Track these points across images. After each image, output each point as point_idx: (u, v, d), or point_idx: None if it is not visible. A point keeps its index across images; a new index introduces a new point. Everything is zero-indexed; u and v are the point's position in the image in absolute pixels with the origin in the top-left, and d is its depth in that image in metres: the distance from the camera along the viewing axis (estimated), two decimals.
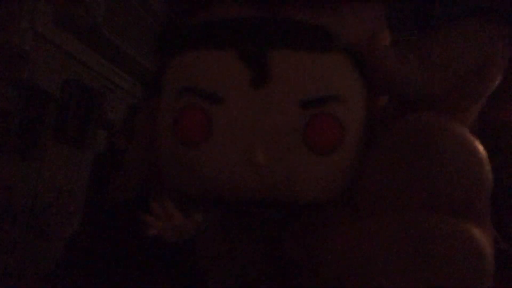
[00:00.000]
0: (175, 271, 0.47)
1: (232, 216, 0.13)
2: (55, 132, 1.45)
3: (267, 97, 0.11)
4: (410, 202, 0.11)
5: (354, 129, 0.11)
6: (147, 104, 0.15)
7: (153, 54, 0.15)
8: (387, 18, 0.16)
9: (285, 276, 0.13)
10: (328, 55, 0.11)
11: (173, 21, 0.14)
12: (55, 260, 1.44)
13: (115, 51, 1.69)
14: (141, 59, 1.82)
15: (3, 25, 1.24)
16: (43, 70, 1.41)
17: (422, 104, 0.13)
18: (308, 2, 0.12)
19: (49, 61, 1.44)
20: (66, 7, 1.39)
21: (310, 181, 0.11)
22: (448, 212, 0.12)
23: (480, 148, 0.12)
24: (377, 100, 0.13)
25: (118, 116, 1.81)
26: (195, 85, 0.11)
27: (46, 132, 1.41)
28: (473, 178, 0.12)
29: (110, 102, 1.73)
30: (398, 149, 0.12)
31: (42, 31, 1.39)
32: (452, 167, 0.11)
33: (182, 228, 0.13)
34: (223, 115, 0.11)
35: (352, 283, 0.11)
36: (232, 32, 0.11)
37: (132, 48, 1.75)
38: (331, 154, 0.11)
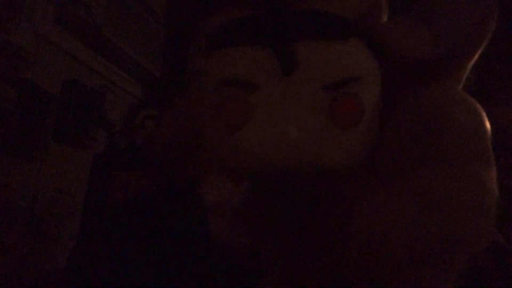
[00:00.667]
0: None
1: (270, 186, 0.15)
2: (55, 132, 1.45)
3: (295, 83, 0.13)
4: (424, 160, 0.13)
5: (372, 105, 0.13)
6: (173, 101, 0.18)
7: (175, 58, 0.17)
8: None
9: (315, 240, 0.15)
10: (343, 41, 0.13)
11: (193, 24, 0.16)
12: (59, 260, 1.44)
13: (115, 51, 1.69)
14: (141, 59, 1.82)
15: (3, 25, 1.24)
16: (43, 70, 1.41)
17: (428, 65, 0.15)
18: None
19: (49, 61, 1.44)
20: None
21: (335, 152, 0.13)
22: (458, 163, 0.14)
23: (479, 108, 0.14)
24: (392, 76, 0.14)
25: (118, 116, 1.81)
26: (234, 76, 0.13)
27: (46, 132, 1.41)
28: (477, 133, 0.14)
29: (110, 102, 1.73)
30: (411, 118, 0.14)
31: (42, 31, 1.39)
32: (459, 126, 0.13)
33: (233, 193, 0.15)
34: (260, 100, 0.13)
35: (377, 240, 0.13)
36: (262, 29, 0.13)
37: (132, 48, 1.75)
38: (353, 128, 0.13)
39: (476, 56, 0.16)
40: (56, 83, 1.47)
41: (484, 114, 0.15)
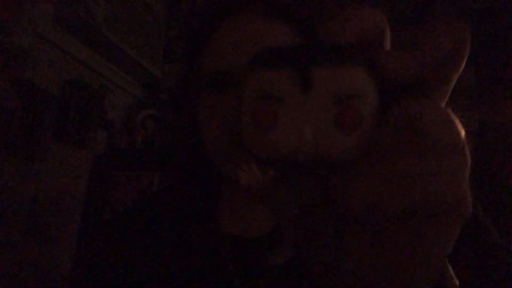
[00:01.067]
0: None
1: (292, 173, 0.21)
2: (55, 132, 1.45)
3: (311, 98, 0.18)
4: (404, 150, 0.17)
5: (369, 116, 0.18)
6: (208, 100, 0.22)
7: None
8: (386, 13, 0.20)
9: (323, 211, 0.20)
10: (348, 67, 0.18)
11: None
12: (59, 260, 1.44)
13: (115, 51, 1.69)
14: (141, 59, 1.82)
15: (3, 25, 1.24)
16: (43, 70, 1.41)
17: (412, 85, 0.19)
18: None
19: (49, 61, 1.44)
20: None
21: (340, 149, 0.18)
22: (434, 155, 0.17)
23: (453, 116, 0.18)
24: (386, 92, 0.19)
25: (118, 116, 1.81)
26: (267, 92, 0.18)
27: (46, 132, 1.41)
28: (449, 136, 0.17)
29: (110, 102, 1.73)
30: (395, 125, 0.18)
31: (42, 31, 1.39)
32: (433, 130, 0.17)
33: (261, 180, 0.22)
34: (285, 110, 0.18)
35: (370, 203, 0.17)
36: (288, 57, 0.18)
37: (132, 48, 1.75)
38: (354, 132, 0.18)
39: (455, 77, 0.19)
40: (56, 83, 1.47)
41: (457, 122, 0.18)
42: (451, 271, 0.22)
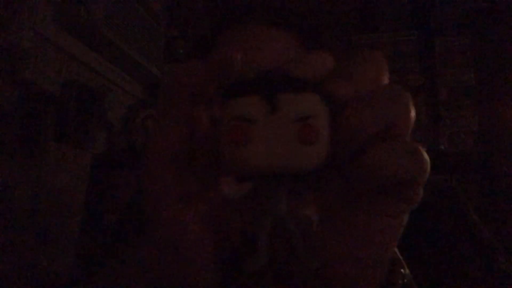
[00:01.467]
0: None
1: (264, 185, 0.24)
2: (55, 132, 1.45)
3: (278, 118, 0.22)
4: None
5: (324, 131, 0.22)
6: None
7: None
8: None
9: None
10: (305, 93, 0.22)
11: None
12: (59, 260, 1.44)
13: (115, 51, 1.69)
14: (141, 59, 1.82)
15: (3, 25, 1.24)
16: (43, 70, 1.41)
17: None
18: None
19: (49, 61, 1.44)
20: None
21: (305, 160, 0.22)
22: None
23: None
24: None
25: (118, 116, 1.81)
26: (241, 114, 0.22)
27: (46, 132, 1.41)
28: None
29: (110, 102, 1.73)
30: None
31: (42, 31, 1.39)
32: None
33: (238, 190, 0.25)
34: (256, 129, 0.22)
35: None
36: (258, 86, 0.22)
37: (132, 48, 1.75)
38: (313, 145, 0.22)
39: (407, 134, 0.24)
40: (56, 83, 1.47)
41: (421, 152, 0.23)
42: (401, 258, 0.28)
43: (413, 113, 0.23)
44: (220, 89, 0.24)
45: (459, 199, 0.51)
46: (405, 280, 0.28)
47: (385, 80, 0.23)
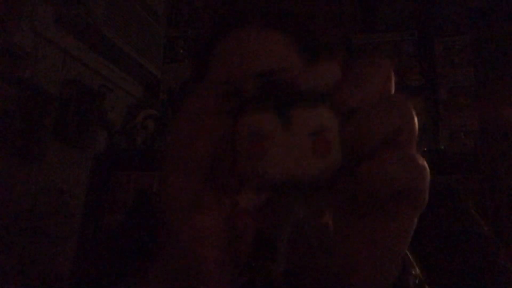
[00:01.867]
0: None
1: (281, 196, 0.25)
2: (55, 132, 1.45)
3: (291, 132, 0.23)
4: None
5: (335, 142, 0.23)
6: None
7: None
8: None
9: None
10: (318, 107, 0.23)
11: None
12: (59, 260, 1.44)
13: (115, 51, 1.69)
14: (141, 59, 1.82)
15: (3, 25, 1.24)
16: (43, 70, 1.41)
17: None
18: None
19: (49, 61, 1.44)
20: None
21: (318, 171, 0.23)
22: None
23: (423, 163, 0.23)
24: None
25: (118, 116, 1.81)
26: (256, 130, 0.23)
27: (46, 132, 1.41)
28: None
29: (110, 102, 1.73)
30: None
31: (42, 31, 1.39)
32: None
33: (256, 202, 0.26)
34: (271, 144, 0.23)
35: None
36: (272, 103, 0.23)
37: (132, 48, 1.75)
38: (326, 157, 0.23)
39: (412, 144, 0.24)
40: (56, 83, 1.47)
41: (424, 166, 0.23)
42: (412, 260, 0.29)
43: (416, 121, 0.23)
44: (235, 106, 0.25)
45: (459, 199, 0.51)
46: (417, 281, 0.29)
47: (391, 88, 0.24)
